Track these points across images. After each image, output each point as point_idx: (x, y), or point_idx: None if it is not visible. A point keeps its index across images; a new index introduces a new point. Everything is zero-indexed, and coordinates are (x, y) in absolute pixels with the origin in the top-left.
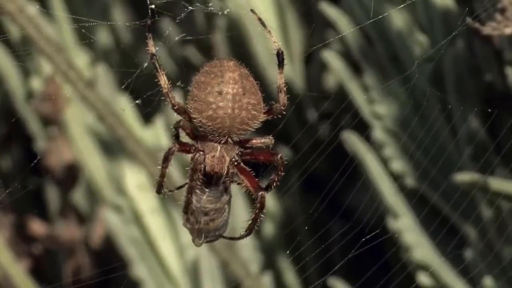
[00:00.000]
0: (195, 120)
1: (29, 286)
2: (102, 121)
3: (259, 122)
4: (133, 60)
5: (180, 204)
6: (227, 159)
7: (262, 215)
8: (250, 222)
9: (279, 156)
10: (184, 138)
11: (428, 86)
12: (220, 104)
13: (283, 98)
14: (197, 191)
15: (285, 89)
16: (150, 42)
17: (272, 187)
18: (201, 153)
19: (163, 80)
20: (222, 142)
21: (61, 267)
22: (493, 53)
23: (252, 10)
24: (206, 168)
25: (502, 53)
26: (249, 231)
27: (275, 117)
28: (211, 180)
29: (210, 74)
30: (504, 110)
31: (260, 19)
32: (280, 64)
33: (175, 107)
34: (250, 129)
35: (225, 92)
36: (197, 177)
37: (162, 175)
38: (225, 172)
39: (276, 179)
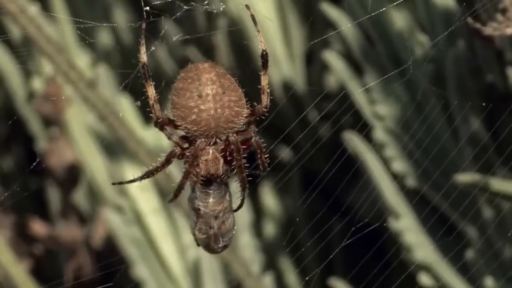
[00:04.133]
0: (180, 128)
1: (30, 287)
2: (103, 122)
3: (244, 118)
4: (132, 61)
5: (184, 203)
6: (221, 160)
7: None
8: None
9: (253, 139)
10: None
11: (429, 86)
12: (201, 107)
13: (266, 100)
14: (201, 196)
15: (268, 90)
16: (142, 50)
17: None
18: (202, 139)
19: (150, 91)
20: (212, 143)
21: (62, 268)
22: (494, 53)
23: (246, 6)
24: (202, 172)
25: (503, 53)
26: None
27: (257, 118)
28: (211, 181)
29: (187, 80)
30: (505, 110)
31: (252, 16)
32: (264, 65)
33: (159, 120)
34: (236, 126)
35: (205, 94)
36: (197, 163)
37: (155, 171)
38: (222, 171)
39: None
